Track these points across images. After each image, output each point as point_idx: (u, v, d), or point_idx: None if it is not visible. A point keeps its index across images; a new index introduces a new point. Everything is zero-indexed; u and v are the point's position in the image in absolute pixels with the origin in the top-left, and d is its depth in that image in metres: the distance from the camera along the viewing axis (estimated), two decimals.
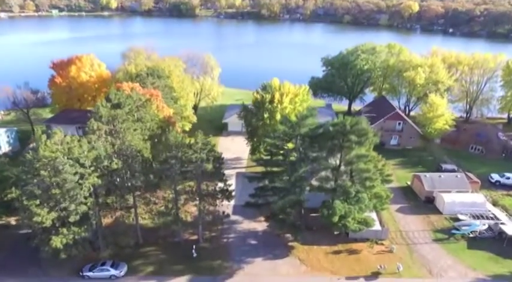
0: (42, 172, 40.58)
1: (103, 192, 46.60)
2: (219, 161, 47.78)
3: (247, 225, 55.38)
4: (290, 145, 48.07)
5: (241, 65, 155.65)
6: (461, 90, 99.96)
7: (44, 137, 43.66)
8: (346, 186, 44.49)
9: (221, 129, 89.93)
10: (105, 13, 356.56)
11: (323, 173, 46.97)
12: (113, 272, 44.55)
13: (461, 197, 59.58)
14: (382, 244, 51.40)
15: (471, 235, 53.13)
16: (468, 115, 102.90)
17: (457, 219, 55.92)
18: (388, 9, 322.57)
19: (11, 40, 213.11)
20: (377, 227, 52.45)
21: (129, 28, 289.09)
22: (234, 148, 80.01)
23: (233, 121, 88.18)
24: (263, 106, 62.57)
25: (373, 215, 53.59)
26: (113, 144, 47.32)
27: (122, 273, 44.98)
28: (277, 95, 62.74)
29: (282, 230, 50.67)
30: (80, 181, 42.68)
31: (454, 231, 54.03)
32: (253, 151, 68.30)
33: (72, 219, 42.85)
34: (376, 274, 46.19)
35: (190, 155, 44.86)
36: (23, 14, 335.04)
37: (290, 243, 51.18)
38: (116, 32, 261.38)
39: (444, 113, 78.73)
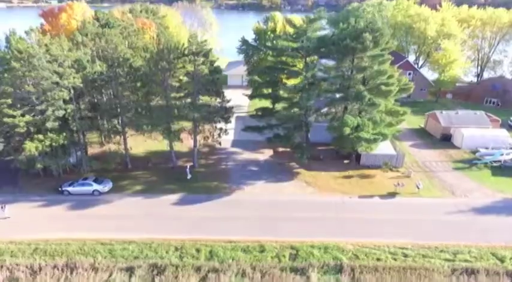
0: (14, 64, 35.66)
1: (86, 101, 41.69)
2: (216, 69, 42.83)
3: (248, 155, 50.31)
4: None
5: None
6: (473, 51, 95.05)
7: (18, 35, 39.09)
8: (359, 89, 39.40)
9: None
10: (105, 4, 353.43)
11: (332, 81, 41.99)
12: (95, 186, 39.43)
13: (481, 131, 54.41)
14: (397, 171, 46.27)
15: (495, 164, 48.01)
16: (479, 79, 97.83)
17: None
18: None
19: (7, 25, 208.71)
20: (391, 151, 47.43)
21: None
22: (234, 97, 74.56)
23: (233, 73, 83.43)
24: (265, 35, 57.61)
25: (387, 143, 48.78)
26: (98, 50, 42.55)
27: (106, 189, 39.88)
28: (280, 24, 57.81)
29: (286, 148, 45.68)
30: (59, 80, 37.79)
31: (475, 161, 48.91)
32: (254, 92, 63.16)
33: (49, 125, 37.89)
34: (392, 194, 41.03)
35: (184, 58, 39.89)
36: (21, 5, 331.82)
37: (295, 170, 46.09)
38: None
39: (457, 58, 73.66)
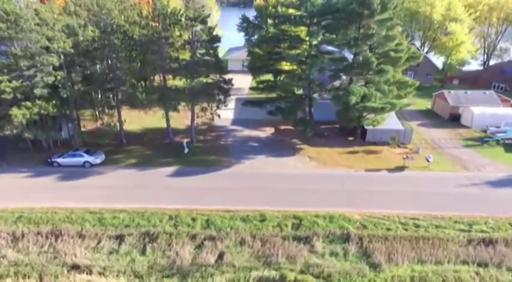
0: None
1: (78, 70, 39.54)
2: (214, 37, 40.65)
3: (248, 133, 48.22)
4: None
5: None
6: (479, 38, 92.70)
7: None
8: (367, 56, 37.16)
9: None
10: None
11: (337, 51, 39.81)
12: (87, 158, 37.24)
13: (492, 109, 52.12)
14: (405, 147, 44.06)
15: (507, 142, 45.73)
16: (486, 67, 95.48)
17: None
18: None
19: None
20: (399, 126, 45.24)
21: None
22: (234, 81, 72.80)
23: (233, 58, 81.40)
24: (266, 11, 55.31)
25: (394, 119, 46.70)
26: (91, 17, 40.45)
27: (98, 161, 37.68)
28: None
29: (288, 126, 43.48)
30: (48, 44, 35.66)
31: (487, 139, 46.61)
32: (254, 72, 60.91)
33: (38, 91, 35.74)
34: (401, 168, 38.77)
35: (181, 23, 37.73)
36: None
37: (298, 146, 43.90)
38: None
39: (465, 41, 71.31)
